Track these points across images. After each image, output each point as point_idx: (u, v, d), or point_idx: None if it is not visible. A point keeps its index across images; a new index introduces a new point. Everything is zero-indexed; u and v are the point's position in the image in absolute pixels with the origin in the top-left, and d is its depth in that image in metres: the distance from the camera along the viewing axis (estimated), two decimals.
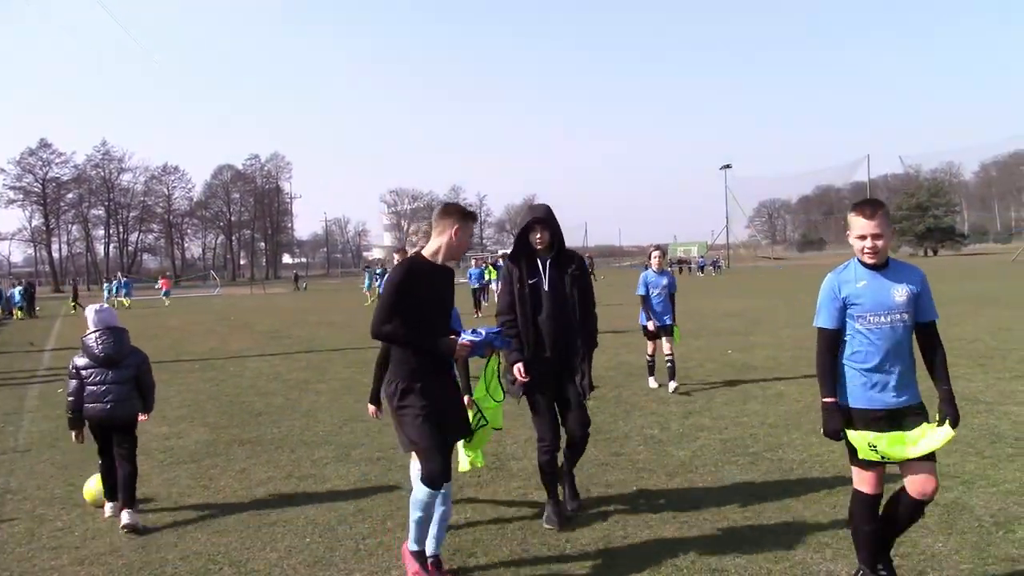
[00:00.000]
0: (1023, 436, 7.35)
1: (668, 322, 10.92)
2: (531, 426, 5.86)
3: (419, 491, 4.56)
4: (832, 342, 4.12)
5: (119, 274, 59.11)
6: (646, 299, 10.90)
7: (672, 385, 10.54)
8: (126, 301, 48.80)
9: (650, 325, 10.88)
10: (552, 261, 5.70)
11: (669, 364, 10.68)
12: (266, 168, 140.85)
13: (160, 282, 53.95)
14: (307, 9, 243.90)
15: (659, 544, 5.11)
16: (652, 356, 11.18)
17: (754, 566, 4.68)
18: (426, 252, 4.81)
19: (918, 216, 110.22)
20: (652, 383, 11.06)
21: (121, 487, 5.96)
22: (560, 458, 5.81)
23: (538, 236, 5.67)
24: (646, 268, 11.25)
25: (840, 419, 4.04)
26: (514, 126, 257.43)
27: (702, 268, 77.80)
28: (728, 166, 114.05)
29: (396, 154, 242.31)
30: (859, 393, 4.03)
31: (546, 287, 5.64)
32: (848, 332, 4.11)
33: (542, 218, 5.70)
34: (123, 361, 6.23)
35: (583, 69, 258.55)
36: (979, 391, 9.55)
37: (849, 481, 4.23)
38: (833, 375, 4.10)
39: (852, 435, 4.00)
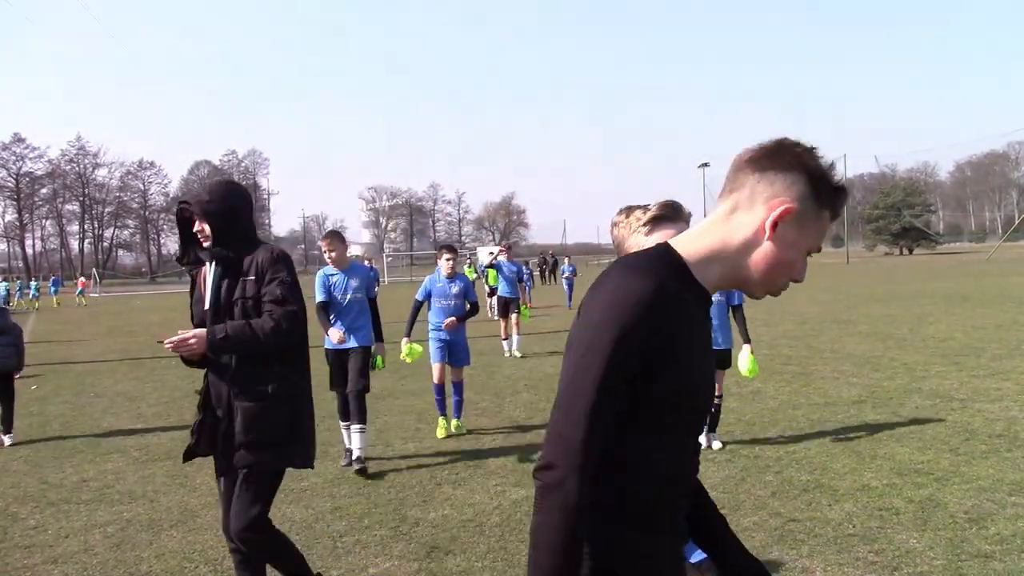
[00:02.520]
0: (996, 433, 7.43)
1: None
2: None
3: None
4: None
5: (52, 274, 59.25)
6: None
7: (715, 443, 7.42)
8: (56, 300, 49.23)
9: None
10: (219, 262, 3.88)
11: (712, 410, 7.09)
12: (243, 164, 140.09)
13: (78, 282, 53.76)
14: (285, 3, 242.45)
15: None
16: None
17: None
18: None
19: (894, 215, 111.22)
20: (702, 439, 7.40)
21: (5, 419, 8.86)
22: None
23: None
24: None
25: None
26: (493, 123, 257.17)
27: None
28: (706, 164, 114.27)
29: (375, 151, 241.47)
30: None
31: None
32: None
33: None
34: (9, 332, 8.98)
35: (561, 66, 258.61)
36: (953, 389, 9.65)
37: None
38: None
39: None
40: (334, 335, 7.25)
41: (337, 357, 7.29)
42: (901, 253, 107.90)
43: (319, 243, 7.69)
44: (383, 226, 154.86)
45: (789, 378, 11.02)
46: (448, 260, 8.61)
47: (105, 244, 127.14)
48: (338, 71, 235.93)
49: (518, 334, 15.09)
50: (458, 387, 8.73)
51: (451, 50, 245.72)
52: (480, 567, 4.84)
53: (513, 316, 15.20)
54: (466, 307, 8.70)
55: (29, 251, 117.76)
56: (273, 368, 3.78)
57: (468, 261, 30.14)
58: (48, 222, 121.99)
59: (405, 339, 8.48)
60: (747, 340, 7.52)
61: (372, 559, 5.00)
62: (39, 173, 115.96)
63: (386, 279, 78.27)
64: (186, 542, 5.47)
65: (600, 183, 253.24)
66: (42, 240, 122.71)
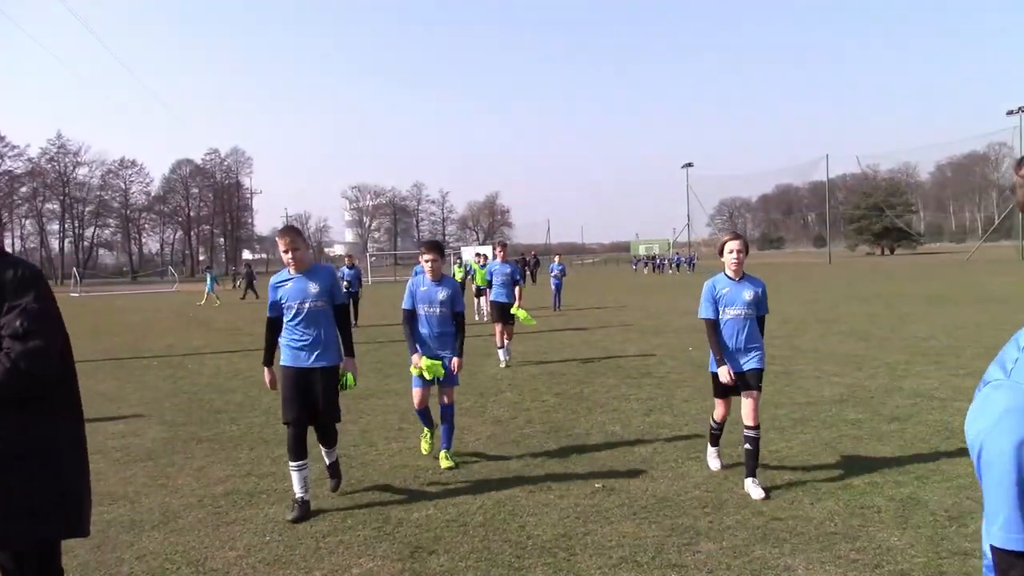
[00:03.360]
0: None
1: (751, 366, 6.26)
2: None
3: None
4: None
5: None
6: (715, 326, 6.43)
7: (756, 491, 5.92)
8: None
9: (723, 375, 6.15)
10: None
11: (748, 445, 6.08)
12: (226, 163, 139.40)
13: None
14: (269, 3, 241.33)
15: (619, 540, 5.14)
16: (719, 423, 6.61)
17: (713, 561, 4.72)
18: None
19: (875, 216, 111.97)
20: (713, 462, 6.73)
21: None
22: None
23: None
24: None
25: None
26: (477, 123, 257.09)
27: (677, 265, 77.99)
28: (690, 164, 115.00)
29: (358, 150, 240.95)
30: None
31: None
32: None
33: None
34: None
35: (545, 68, 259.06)
36: (933, 388, 9.73)
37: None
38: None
39: None
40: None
41: (295, 379, 5.97)
42: (883, 253, 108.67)
43: (277, 240, 6.19)
44: (367, 225, 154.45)
45: (772, 377, 11.05)
46: (428, 262, 7.18)
47: (86, 243, 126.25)
48: (322, 70, 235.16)
49: (508, 340, 13.62)
50: (448, 411, 7.16)
51: (437, 49, 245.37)
52: (463, 567, 4.83)
53: (506, 327, 13.60)
54: (453, 321, 7.24)
55: (8, 250, 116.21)
56: (8, 418, 2.99)
57: (458, 260, 28.52)
58: (28, 221, 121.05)
59: (416, 355, 7.06)
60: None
61: (355, 559, 4.98)
62: (18, 172, 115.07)
63: (370, 279, 78.13)
64: (168, 543, 5.43)
65: (584, 183, 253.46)
66: (22, 239, 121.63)
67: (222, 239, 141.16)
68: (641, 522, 5.46)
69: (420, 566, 4.87)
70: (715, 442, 6.75)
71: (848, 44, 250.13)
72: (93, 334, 23.78)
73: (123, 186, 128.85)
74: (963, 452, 6.81)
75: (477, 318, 24.54)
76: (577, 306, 28.04)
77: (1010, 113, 78.88)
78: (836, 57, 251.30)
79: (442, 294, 7.18)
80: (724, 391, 6.35)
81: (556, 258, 30.05)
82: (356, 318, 21.16)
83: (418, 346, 7.15)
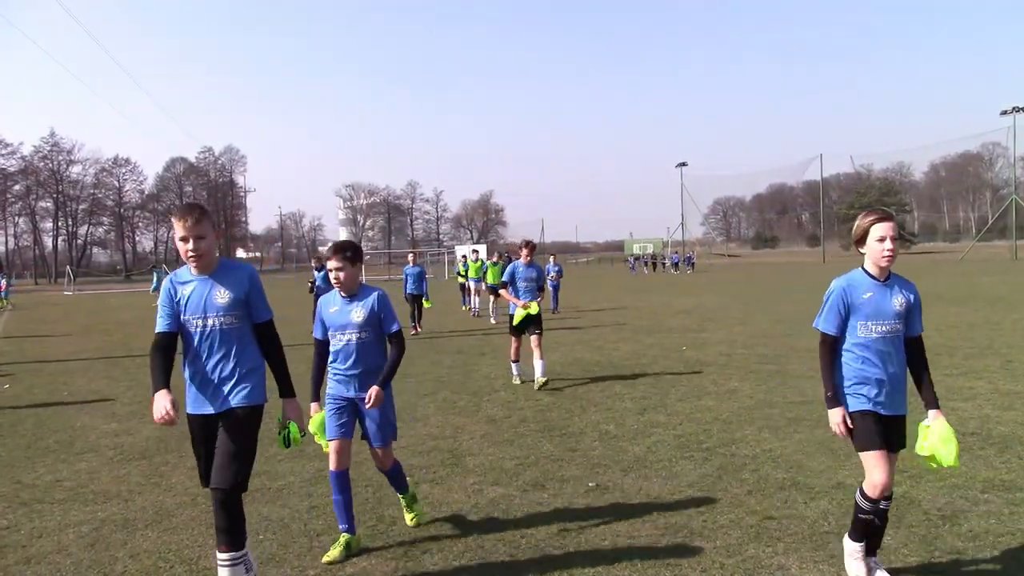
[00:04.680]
0: (969, 431, 7.51)
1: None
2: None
3: None
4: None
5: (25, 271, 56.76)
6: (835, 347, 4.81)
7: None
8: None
9: (835, 419, 4.32)
10: None
11: (878, 521, 4.39)
12: (220, 161, 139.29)
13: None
14: (262, 1, 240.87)
15: (614, 539, 5.14)
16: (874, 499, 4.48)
17: (707, 560, 4.73)
18: None
19: None
20: (857, 569, 4.36)
21: None
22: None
23: None
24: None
25: None
26: (471, 123, 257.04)
27: (676, 265, 77.88)
28: (684, 164, 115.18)
29: (352, 149, 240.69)
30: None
31: None
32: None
33: None
34: None
35: (538, 68, 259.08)
36: None
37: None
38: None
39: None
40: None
41: (202, 435, 4.38)
42: None
43: (174, 222, 4.37)
44: (361, 224, 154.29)
45: (766, 376, 11.09)
46: (334, 271, 5.24)
47: (79, 242, 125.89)
48: (316, 68, 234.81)
49: (542, 357, 11.00)
50: (396, 476, 5.45)
51: (432, 47, 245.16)
52: (457, 566, 4.83)
53: (533, 336, 11.11)
54: (380, 350, 5.26)
55: (1, 249, 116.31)
56: None
57: (463, 260, 27.09)
58: (21, 219, 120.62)
59: (314, 404, 5.40)
60: (935, 403, 4.53)
61: (349, 558, 4.97)
62: (12, 170, 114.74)
63: (364, 278, 77.92)
64: (161, 542, 5.42)
65: (578, 182, 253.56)
66: (15, 237, 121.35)
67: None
68: (635, 521, 5.46)
69: (414, 565, 4.87)
70: (862, 534, 4.33)
71: (842, 43, 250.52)
72: (86, 332, 23.73)
73: (116, 184, 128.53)
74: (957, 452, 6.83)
75: (471, 314, 24.51)
76: (577, 307, 28.00)
77: (1004, 113, 79.30)
78: (830, 56, 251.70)
79: (357, 314, 5.21)
80: (883, 440, 4.26)
81: (552, 258, 28.00)
82: None
83: (329, 389, 5.28)
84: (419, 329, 19.15)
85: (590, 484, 6.36)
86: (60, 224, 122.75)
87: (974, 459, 6.58)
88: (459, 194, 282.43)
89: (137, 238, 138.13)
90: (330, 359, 5.29)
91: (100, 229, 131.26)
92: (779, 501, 5.76)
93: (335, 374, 5.24)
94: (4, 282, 45.02)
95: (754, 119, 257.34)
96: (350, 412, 5.22)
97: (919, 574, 4.45)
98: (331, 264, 5.21)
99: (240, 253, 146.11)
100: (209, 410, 4.34)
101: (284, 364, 4.56)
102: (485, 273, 24.13)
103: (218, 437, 4.28)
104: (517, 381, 11.34)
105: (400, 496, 5.58)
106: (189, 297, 4.34)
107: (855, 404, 4.29)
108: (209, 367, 4.35)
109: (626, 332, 17.91)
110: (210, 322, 4.32)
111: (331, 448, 5.16)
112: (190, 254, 4.27)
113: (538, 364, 10.87)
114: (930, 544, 4.84)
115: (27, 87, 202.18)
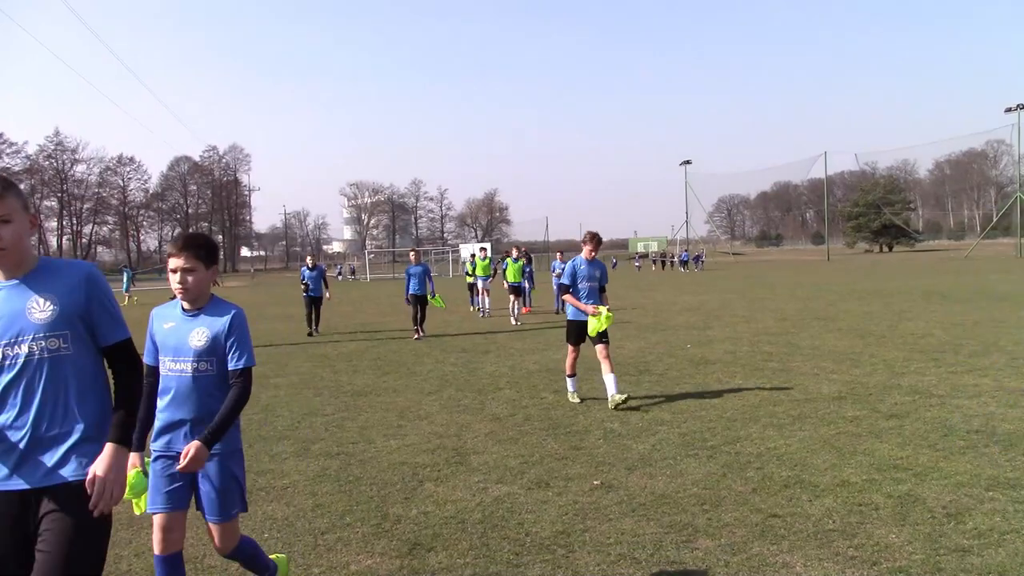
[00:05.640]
0: (974, 429, 7.49)
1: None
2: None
3: None
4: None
5: None
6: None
7: None
8: None
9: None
10: None
11: None
12: (224, 160, 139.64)
13: None
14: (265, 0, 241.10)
15: (618, 537, 5.14)
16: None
17: (711, 558, 4.72)
18: None
19: (874, 213, 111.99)
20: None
21: None
22: None
23: None
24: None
25: None
26: (475, 121, 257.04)
27: (684, 263, 77.53)
28: (688, 162, 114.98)
29: (357, 147, 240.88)
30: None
31: None
32: None
33: None
34: None
35: (543, 66, 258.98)
36: (932, 385, 9.73)
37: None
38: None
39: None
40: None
41: (8, 507, 2.85)
42: (881, 250, 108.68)
43: None
44: (365, 223, 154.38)
45: (769, 374, 11.08)
46: (177, 271, 3.65)
47: (84, 241, 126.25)
48: (321, 67, 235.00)
49: (612, 371, 9.45)
50: (249, 559, 4.21)
51: (437, 46, 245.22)
52: (462, 564, 4.83)
53: (600, 347, 9.55)
54: (220, 391, 3.68)
55: None
56: None
57: (482, 255, 24.75)
58: None
59: (135, 455, 3.58)
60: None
61: (354, 556, 4.98)
62: (16, 169, 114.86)
63: (368, 276, 78.17)
64: None
65: (583, 180, 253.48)
66: None
67: (220, 236, 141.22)
68: (639, 519, 5.46)
69: (419, 563, 4.87)
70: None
71: (847, 41, 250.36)
72: None
73: (121, 183, 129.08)
74: (961, 449, 6.82)
75: (480, 314, 23.88)
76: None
77: (1008, 111, 79.02)
78: (835, 54, 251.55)
79: (199, 336, 3.70)
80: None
81: (558, 255, 26.38)
82: (317, 325, 19.97)
83: (155, 439, 3.76)
84: (422, 333, 18.21)
85: (595, 482, 6.36)
86: (65, 223, 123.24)
87: (979, 457, 6.56)
88: (463, 192, 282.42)
89: (142, 237, 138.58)
90: (159, 395, 3.73)
91: (105, 228, 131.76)
92: (784, 499, 5.75)
93: (162, 418, 3.71)
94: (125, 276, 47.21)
95: (758, 117, 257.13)
96: (181, 479, 3.72)
97: (924, 572, 4.44)
98: (176, 262, 3.65)
99: (245, 251, 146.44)
100: (10, 487, 2.84)
101: (136, 402, 3.10)
102: (495, 272, 23.47)
103: (42, 524, 2.83)
104: (575, 400, 9.77)
105: None
106: None
107: None
108: (20, 420, 2.87)
109: (631, 330, 17.89)
110: (21, 349, 2.87)
111: (155, 524, 3.72)
112: None
113: (609, 379, 9.32)
114: (935, 542, 4.83)
115: (32, 86, 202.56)
